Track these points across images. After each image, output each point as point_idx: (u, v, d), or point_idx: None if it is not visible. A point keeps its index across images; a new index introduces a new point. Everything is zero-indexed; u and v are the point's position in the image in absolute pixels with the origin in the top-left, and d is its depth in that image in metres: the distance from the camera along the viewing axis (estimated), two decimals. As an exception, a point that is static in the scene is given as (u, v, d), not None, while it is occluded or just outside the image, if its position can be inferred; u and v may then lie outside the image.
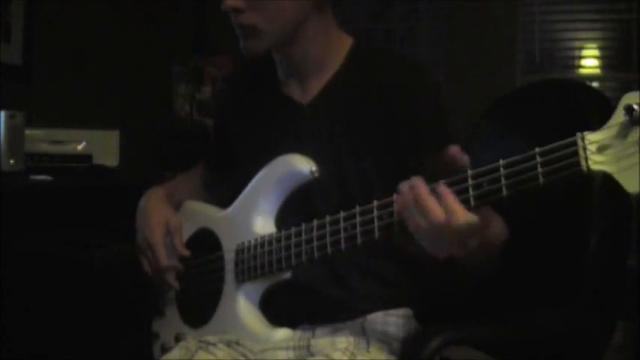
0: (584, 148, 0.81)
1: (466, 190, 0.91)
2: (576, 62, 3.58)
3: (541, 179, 0.83)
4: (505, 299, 1.28)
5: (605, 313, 1.15)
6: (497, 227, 1.06)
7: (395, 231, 0.99)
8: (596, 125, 1.14)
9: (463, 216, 0.89)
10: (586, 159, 0.81)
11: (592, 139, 0.81)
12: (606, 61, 3.57)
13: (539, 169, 0.84)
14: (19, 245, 1.75)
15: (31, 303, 1.78)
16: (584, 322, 1.14)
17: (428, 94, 1.17)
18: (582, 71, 3.58)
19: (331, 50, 1.22)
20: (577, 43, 3.57)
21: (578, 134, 0.81)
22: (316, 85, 1.22)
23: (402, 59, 1.23)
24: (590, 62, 3.58)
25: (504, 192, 0.87)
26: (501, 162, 0.87)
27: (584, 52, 3.58)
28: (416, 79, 1.18)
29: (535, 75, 3.43)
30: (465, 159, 0.94)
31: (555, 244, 1.20)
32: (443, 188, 0.92)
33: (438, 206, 0.91)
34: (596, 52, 3.58)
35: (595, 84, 3.48)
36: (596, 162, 0.80)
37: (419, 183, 0.94)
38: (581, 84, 1.44)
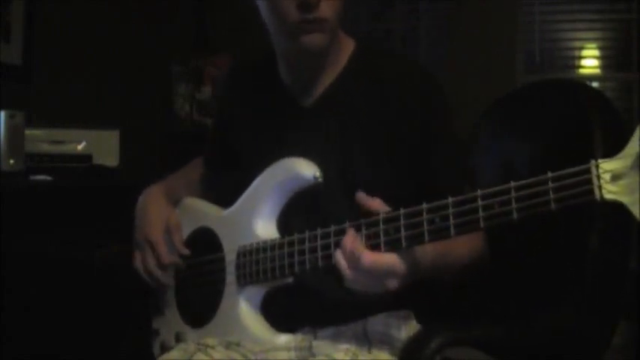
0: (598, 177, 0.79)
1: (476, 211, 0.90)
2: (576, 62, 3.58)
3: (553, 205, 0.82)
4: (505, 300, 1.28)
5: (605, 314, 1.15)
6: (457, 251, 1.09)
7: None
8: (596, 125, 1.15)
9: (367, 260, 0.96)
10: (600, 188, 0.79)
11: (606, 167, 0.79)
12: (606, 61, 3.56)
13: (552, 195, 0.82)
14: (19, 245, 1.75)
15: (31, 303, 1.77)
16: (584, 323, 1.13)
17: (431, 95, 1.17)
18: (582, 71, 3.57)
19: (336, 52, 1.21)
20: (577, 43, 3.56)
21: (593, 162, 0.80)
22: (320, 86, 1.22)
23: (403, 60, 1.22)
24: (590, 62, 3.57)
25: (515, 215, 0.85)
26: (512, 184, 0.86)
27: (584, 52, 3.57)
28: (419, 79, 1.18)
29: (535, 75, 3.42)
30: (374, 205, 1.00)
31: (556, 244, 1.20)
32: (346, 239, 0.99)
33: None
34: (596, 52, 3.57)
35: (595, 84, 3.48)
36: (610, 191, 0.79)
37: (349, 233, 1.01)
38: (581, 84, 1.44)
